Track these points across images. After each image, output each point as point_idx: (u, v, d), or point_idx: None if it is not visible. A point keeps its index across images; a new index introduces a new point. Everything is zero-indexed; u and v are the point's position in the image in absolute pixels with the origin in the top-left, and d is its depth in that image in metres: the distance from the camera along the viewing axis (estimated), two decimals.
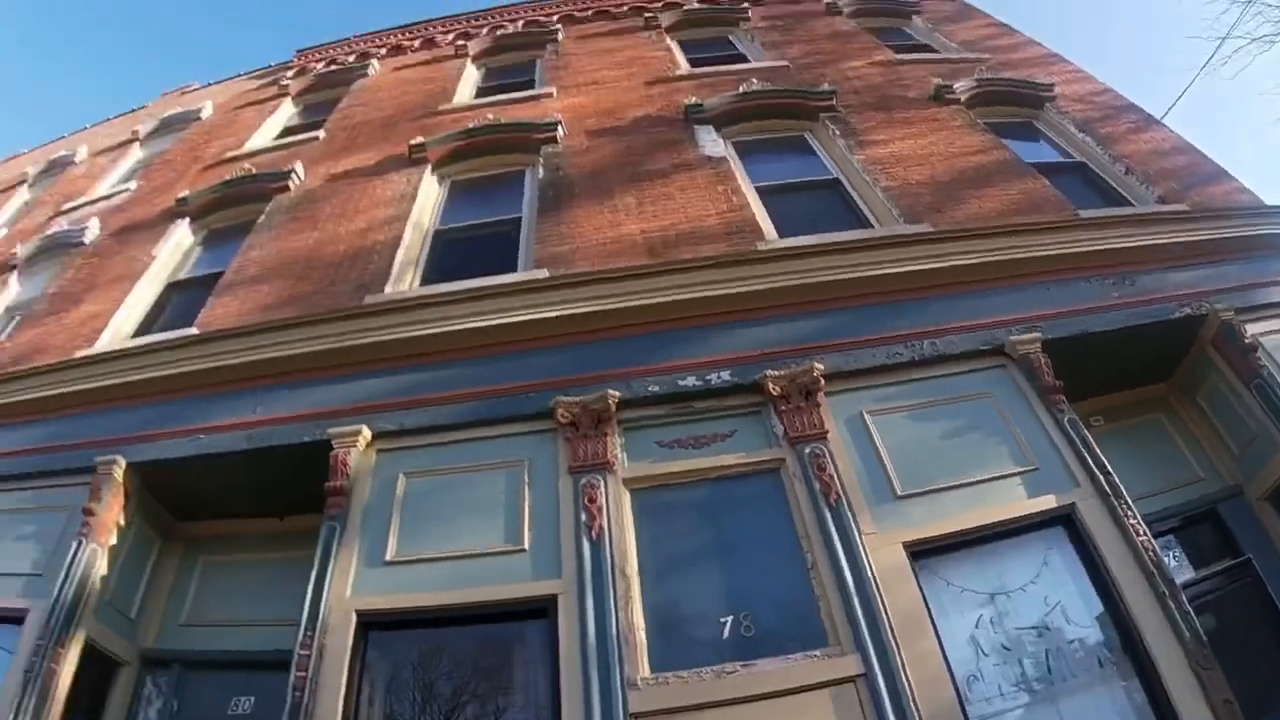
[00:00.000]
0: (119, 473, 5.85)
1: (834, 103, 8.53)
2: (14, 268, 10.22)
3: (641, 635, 4.16)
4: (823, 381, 5.10)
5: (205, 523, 6.28)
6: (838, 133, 8.12)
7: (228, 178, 9.25)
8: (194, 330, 6.75)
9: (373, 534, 4.96)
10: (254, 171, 9.25)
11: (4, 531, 6.24)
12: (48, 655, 5.15)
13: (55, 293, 8.76)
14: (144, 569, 6.06)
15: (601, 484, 4.78)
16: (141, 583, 6.02)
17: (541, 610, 4.39)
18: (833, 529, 4.42)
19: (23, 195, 13.71)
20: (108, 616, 5.63)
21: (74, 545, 5.60)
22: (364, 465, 5.30)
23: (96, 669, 5.51)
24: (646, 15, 12.15)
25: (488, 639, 4.68)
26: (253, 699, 5.44)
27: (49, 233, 10.33)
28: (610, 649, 4.05)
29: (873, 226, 6.64)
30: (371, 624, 4.62)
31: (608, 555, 4.43)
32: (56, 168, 13.67)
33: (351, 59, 13.06)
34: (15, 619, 5.51)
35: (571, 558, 4.48)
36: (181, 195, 9.17)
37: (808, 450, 4.79)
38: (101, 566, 5.58)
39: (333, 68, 12.84)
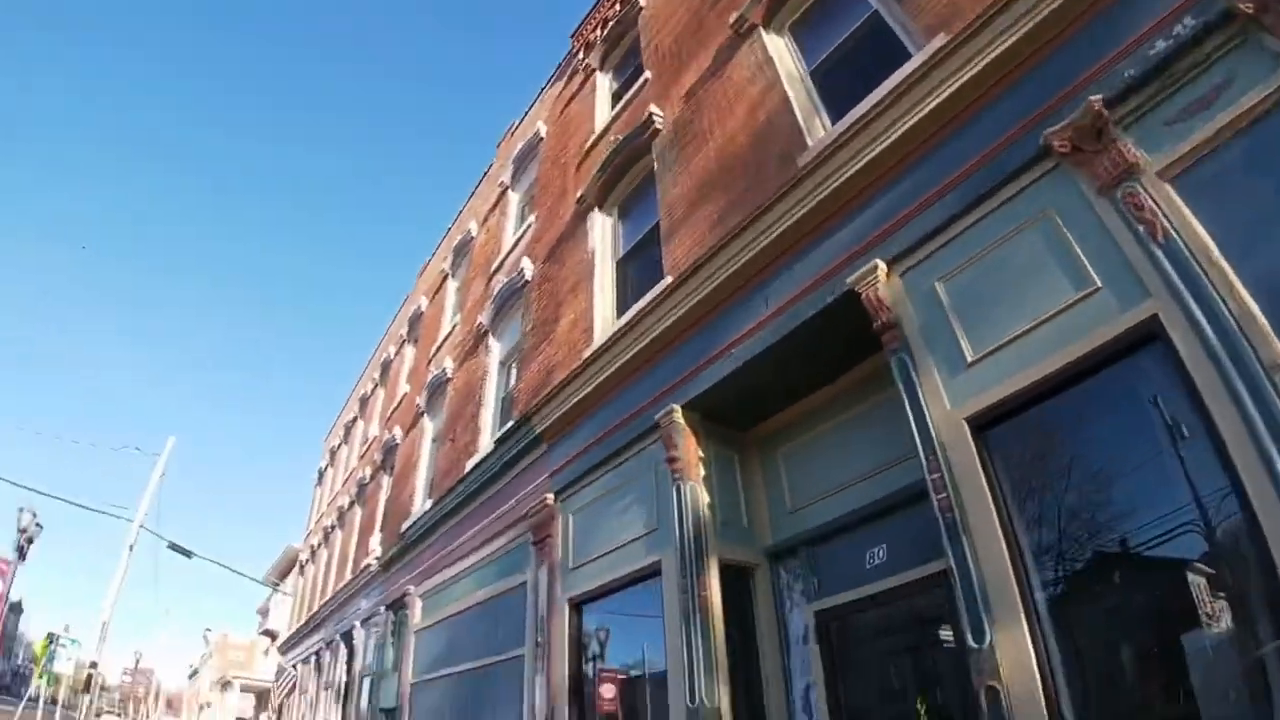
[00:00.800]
0: (679, 417, 6.69)
1: None
2: (486, 332, 12.04)
3: (1260, 318, 3.65)
4: None
5: (767, 421, 6.94)
6: None
7: (604, 158, 10.05)
8: (668, 279, 7.34)
9: (942, 346, 5.00)
10: (619, 138, 9.93)
11: (608, 511, 7.57)
12: (694, 587, 6.14)
13: (531, 328, 10.13)
14: (735, 483, 6.88)
15: (1139, 189, 4.30)
16: (739, 495, 6.85)
17: (1147, 335, 4.09)
18: None
19: (451, 286, 16.12)
20: (726, 535, 6.52)
21: (674, 492, 6.55)
22: (895, 293, 5.36)
23: (735, 580, 6.44)
24: None
25: (1100, 390, 4.41)
26: (884, 546, 5.85)
27: (495, 292, 12.03)
28: (1235, 342, 3.66)
29: None
30: (983, 426, 4.67)
31: (1185, 252, 3.98)
32: (462, 250, 15.86)
33: (617, 7, 13.46)
34: (654, 573, 6.70)
35: (1151, 271, 4.09)
36: (578, 196, 10.17)
37: None
38: (703, 498, 6.47)
39: (609, 26, 13.34)
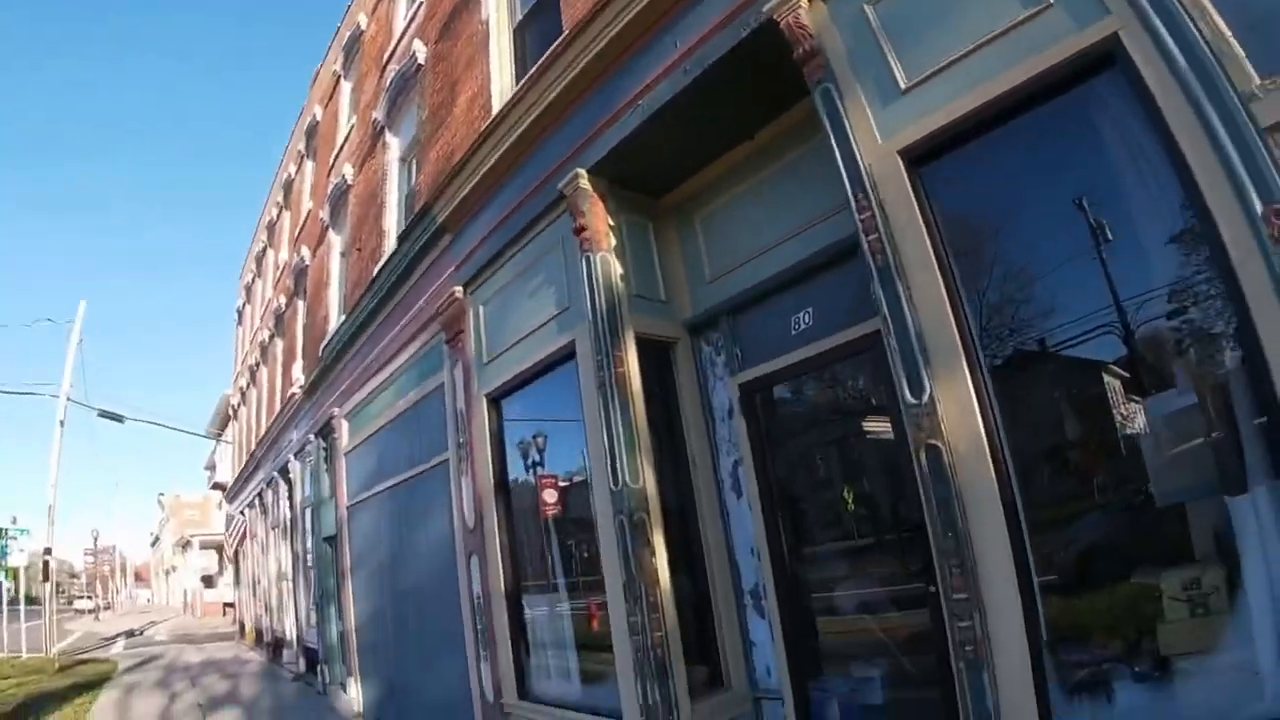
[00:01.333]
0: (584, 182, 6.09)
1: None
2: (383, 129, 11.15)
3: (1234, 42, 3.16)
4: None
5: (681, 187, 6.40)
6: None
7: None
8: (563, 31, 6.54)
9: (872, 72, 4.40)
10: None
11: (518, 295, 7.14)
12: (610, 364, 5.74)
13: (428, 116, 9.33)
14: (650, 254, 6.45)
15: None
16: (655, 266, 6.43)
17: (1105, 57, 3.56)
18: None
19: (345, 88, 14.92)
20: (641, 308, 6.11)
21: (583, 265, 6.03)
22: (819, 19, 4.68)
23: (654, 355, 6.12)
24: None
25: (1051, 123, 3.89)
26: (809, 310, 5.50)
27: (388, 84, 11.02)
28: (1208, 66, 3.18)
29: None
30: (918, 159, 4.18)
31: None
32: (353, 47, 14.58)
33: None
34: (569, 355, 6.33)
35: None
36: None
37: None
38: (615, 269, 5.99)
39: None
